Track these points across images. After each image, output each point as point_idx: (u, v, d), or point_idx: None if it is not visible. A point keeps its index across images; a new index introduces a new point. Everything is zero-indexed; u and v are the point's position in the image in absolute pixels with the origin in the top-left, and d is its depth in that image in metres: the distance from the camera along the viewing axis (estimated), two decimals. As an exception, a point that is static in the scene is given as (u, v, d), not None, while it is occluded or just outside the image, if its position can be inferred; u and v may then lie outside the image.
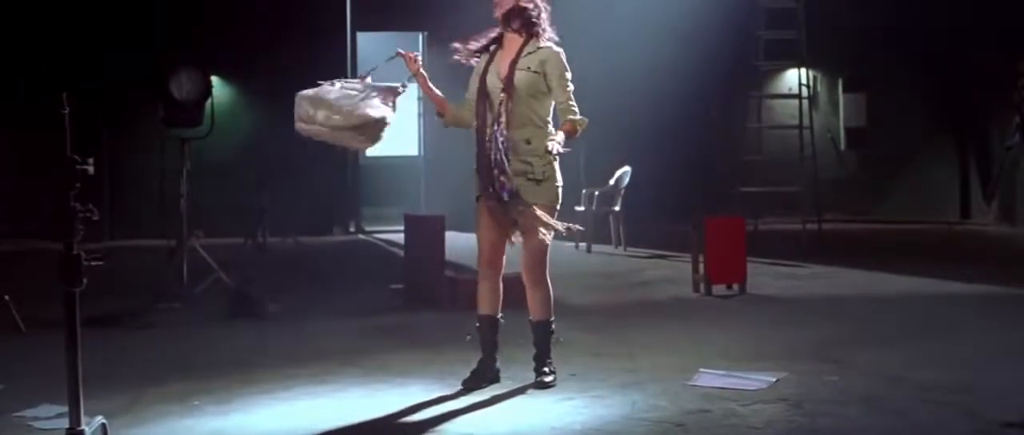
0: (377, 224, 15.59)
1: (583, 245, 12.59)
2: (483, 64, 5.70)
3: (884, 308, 8.48)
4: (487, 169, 5.51)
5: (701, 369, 5.92)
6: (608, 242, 12.76)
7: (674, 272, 10.44)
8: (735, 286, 9.07)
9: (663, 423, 4.95)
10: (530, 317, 5.78)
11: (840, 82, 16.59)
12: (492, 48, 5.73)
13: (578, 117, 5.57)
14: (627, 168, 12.99)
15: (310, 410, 5.28)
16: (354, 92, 5.53)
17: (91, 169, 3.74)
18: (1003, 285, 9.33)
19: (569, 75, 5.60)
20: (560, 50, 5.63)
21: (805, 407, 5.16)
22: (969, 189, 16.19)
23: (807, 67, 14.64)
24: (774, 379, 5.68)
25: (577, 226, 5.80)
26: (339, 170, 15.10)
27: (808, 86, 14.89)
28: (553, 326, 5.78)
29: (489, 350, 5.74)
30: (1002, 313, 8.06)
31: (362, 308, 8.52)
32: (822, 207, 14.13)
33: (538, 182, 5.52)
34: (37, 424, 5.06)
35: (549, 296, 5.75)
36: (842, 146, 16.60)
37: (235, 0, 14.44)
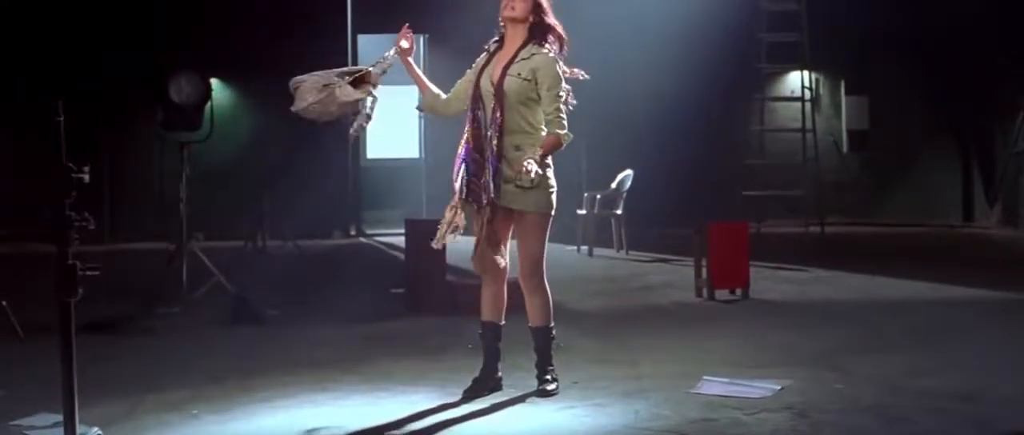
0: (378, 227, 15.55)
1: (585, 249, 12.55)
2: (480, 65, 5.63)
3: (887, 313, 8.42)
4: (474, 174, 5.45)
5: (705, 377, 5.86)
6: (610, 246, 12.72)
7: (676, 276, 10.38)
8: (738, 291, 9.02)
9: (666, 433, 4.89)
10: (529, 323, 5.72)
11: (842, 84, 16.54)
12: (492, 48, 5.66)
13: (564, 132, 5.42)
14: (629, 171, 12.94)
15: (311, 419, 5.22)
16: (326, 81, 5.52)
17: (87, 177, 3.68)
18: (1007, 290, 9.28)
19: (563, 84, 5.46)
20: (556, 58, 5.49)
21: (811, 416, 5.10)
22: (972, 192, 16.15)
23: (809, 70, 14.59)
24: (779, 387, 5.63)
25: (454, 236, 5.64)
26: (340, 172, 15.06)
27: (811, 89, 14.84)
28: (553, 332, 5.72)
29: (491, 357, 5.68)
30: (1006, 318, 8.01)
31: (363, 313, 8.46)
32: (824, 210, 14.09)
33: (526, 189, 5.42)
34: (33, 434, 5.00)
35: (548, 301, 5.67)
36: (844, 149, 16.56)
37: (236, 1, 14.40)
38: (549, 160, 5.46)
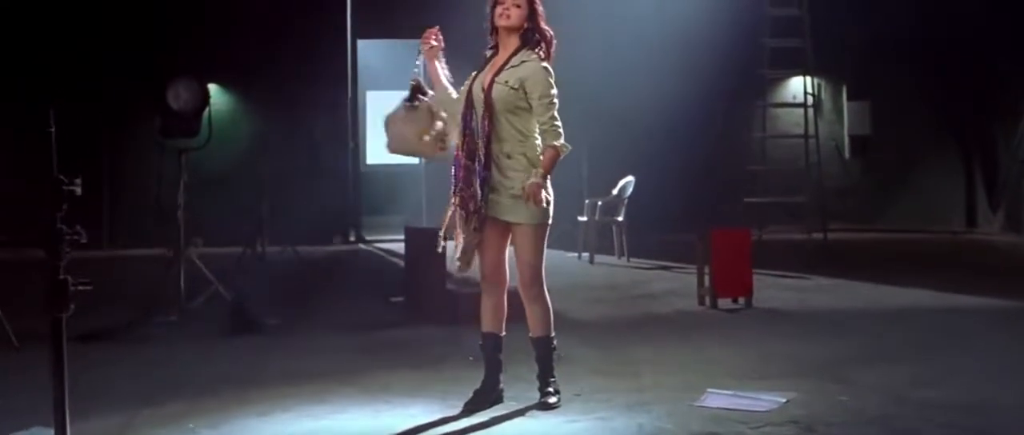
0: (378, 233, 15.47)
1: (586, 256, 12.47)
2: (477, 71, 5.57)
3: (891, 322, 8.35)
4: (463, 180, 5.39)
5: (708, 389, 5.79)
6: (611, 253, 12.64)
7: (678, 284, 10.31)
8: (740, 300, 8.94)
9: (670, 446, 4.83)
10: (530, 334, 5.64)
11: (844, 90, 16.48)
12: (489, 54, 5.60)
13: (561, 142, 5.34)
14: (630, 178, 12.87)
15: (309, 433, 5.15)
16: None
17: (78, 190, 3.59)
18: (1010, 297, 9.20)
19: (554, 92, 5.37)
20: (545, 65, 5.40)
21: (816, 430, 5.02)
22: (975, 197, 16.08)
23: (812, 75, 14.52)
24: (784, 400, 5.55)
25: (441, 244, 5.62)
26: (339, 179, 14.99)
27: (813, 94, 14.77)
28: (554, 342, 5.64)
29: (492, 369, 5.60)
30: (1010, 326, 7.92)
31: (362, 322, 8.39)
32: (827, 216, 14.01)
33: (519, 200, 5.34)
34: (26, 448, 4.95)
35: (548, 311, 5.59)
36: (847, 154, 16.49)
37: (235, 7, 14.34)
38: None
